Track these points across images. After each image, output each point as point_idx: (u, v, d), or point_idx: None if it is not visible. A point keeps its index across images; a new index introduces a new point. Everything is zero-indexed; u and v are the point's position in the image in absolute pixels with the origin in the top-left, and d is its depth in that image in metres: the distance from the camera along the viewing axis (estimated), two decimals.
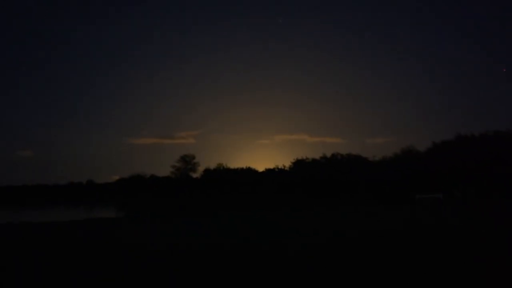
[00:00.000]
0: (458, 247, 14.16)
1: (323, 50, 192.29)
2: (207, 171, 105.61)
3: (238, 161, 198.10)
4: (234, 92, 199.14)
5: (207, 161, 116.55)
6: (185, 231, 23.08)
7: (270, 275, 10.51)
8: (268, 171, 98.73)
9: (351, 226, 23.14)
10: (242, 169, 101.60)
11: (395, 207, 41.30)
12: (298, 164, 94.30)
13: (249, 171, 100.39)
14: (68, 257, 14.13)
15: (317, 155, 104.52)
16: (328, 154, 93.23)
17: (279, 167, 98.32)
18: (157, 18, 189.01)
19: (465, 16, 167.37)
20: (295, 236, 18.80)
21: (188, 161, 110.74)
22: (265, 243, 16.40)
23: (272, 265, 11.71)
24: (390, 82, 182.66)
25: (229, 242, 16.95)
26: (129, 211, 62.36)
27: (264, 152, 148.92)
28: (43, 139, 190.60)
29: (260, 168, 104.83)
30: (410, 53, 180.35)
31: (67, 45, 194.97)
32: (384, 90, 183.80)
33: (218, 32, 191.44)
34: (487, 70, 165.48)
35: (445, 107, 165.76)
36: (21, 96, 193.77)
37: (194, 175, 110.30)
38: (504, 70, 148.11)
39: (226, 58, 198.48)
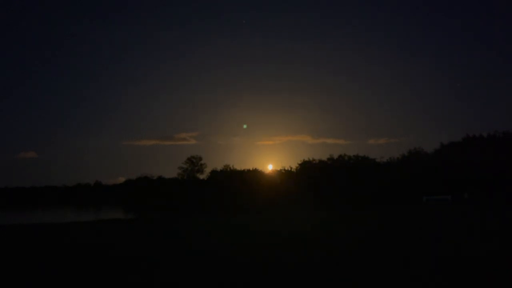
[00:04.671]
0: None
1: (325, 50, 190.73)
2: (214, 172, 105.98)
3: (239, 162, 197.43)
4: (234, 93, 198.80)
5: (208, 162, 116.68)
6: (192, 232, 23.15)
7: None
8: (275, 173, 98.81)
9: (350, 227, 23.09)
10: (249, 170, 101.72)
11: (399, 209, 41.05)
12: (305, 165, 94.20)
13: (256, 172, 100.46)
14: (76, 259, 14.24)
15: (319, 156, 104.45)
16: (330, 155, 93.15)
17: (286, 168, 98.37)
18: (156, 18, 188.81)
19: (475, 15, 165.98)
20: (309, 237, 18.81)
21: (195, 163, 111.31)
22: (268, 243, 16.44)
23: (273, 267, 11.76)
24: (393, 81, 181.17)
25: (234, 243, 17.01)
26: (137, 212, 62.60)
27: (266, 154, 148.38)
28: (45, 140, 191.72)
29: (264, 169, 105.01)
30: (415, 52, 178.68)
31: (70, 46, 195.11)
32: (387, 90, 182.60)
33: (218, 32, 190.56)
34: (495, 69, 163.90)
35: (452, 108, 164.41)
36: (23, 98, 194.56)
37: (201, 177, 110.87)
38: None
39: (226, 58, 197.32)
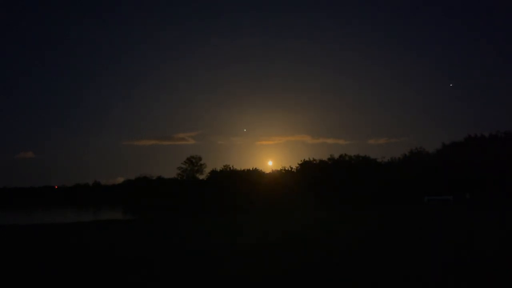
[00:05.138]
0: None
1: (325, 49, 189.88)
2: (213, 172, 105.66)
3: (239, 163, 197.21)
4: (234, 93, 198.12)
5: (207, 162, 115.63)
6: (192, 232, 22.90)
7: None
8: (276, 172, 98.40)
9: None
10: (249, 170, 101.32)
11: (400, 209, 40.78)
12: (305, 165, 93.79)
13: (256, 172, 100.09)
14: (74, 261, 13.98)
15: (319, 156, 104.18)
16: (330, 155, 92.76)
17: (286, 168, 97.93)
18: (156, 18, 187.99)
19: (476, 14, 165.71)
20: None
21: (194, 163, 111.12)
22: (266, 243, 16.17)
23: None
24: (393, 81, 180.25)
25: (234, 243, 16.73)
26: (137, 212, 62.32)
27: (265, 154, 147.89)
28: (44, 141, 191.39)
29: (264, 169, 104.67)
30: (416, 51, 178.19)
31: (70, 46, 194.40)
32: (388, 90, 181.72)
33: (218, 32, 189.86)
34: (497, 69, 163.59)
35: (453, 108, 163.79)
36: (22, 98, 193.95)
37: (201, 177, 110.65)
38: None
39: (226, 58, 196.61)
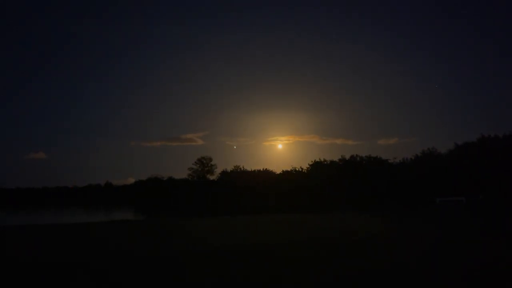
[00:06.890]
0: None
1: (335, 50, 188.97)
2: (224, 173, 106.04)
3: (248, 163, 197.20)
4: (241, 93, 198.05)
5: (215, 162, 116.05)
6: (201, 232, 22.93)
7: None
8: (286, 173, 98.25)
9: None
10: (259, 171, 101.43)
11: (409, 210, 40.40)
12: (316, 165, 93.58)
13: (267, 173, 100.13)
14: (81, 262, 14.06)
15: (328, 157, 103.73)
16: (341, 156, 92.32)
17: (297, 169, 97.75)
18: (161, 18, 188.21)
19: (490, 13, 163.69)
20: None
21: (205, 163, 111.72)
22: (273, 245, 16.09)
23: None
24: (406, 80, 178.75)
25: (242, 244, 16.71)
26: (148, 213, 62.72)
27: (274, 154, 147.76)
28: (54, 141, 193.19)
29: (274, 170, 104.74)
30: (428, 51, 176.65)
31: (79, 47, 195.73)
32: (399, 90, 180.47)
33: (224, 31, 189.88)
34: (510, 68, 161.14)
35: (466, 107, 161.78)
36: (31, 98, 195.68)
37: (211, 177, 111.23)
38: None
39: (233, 58, 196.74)
